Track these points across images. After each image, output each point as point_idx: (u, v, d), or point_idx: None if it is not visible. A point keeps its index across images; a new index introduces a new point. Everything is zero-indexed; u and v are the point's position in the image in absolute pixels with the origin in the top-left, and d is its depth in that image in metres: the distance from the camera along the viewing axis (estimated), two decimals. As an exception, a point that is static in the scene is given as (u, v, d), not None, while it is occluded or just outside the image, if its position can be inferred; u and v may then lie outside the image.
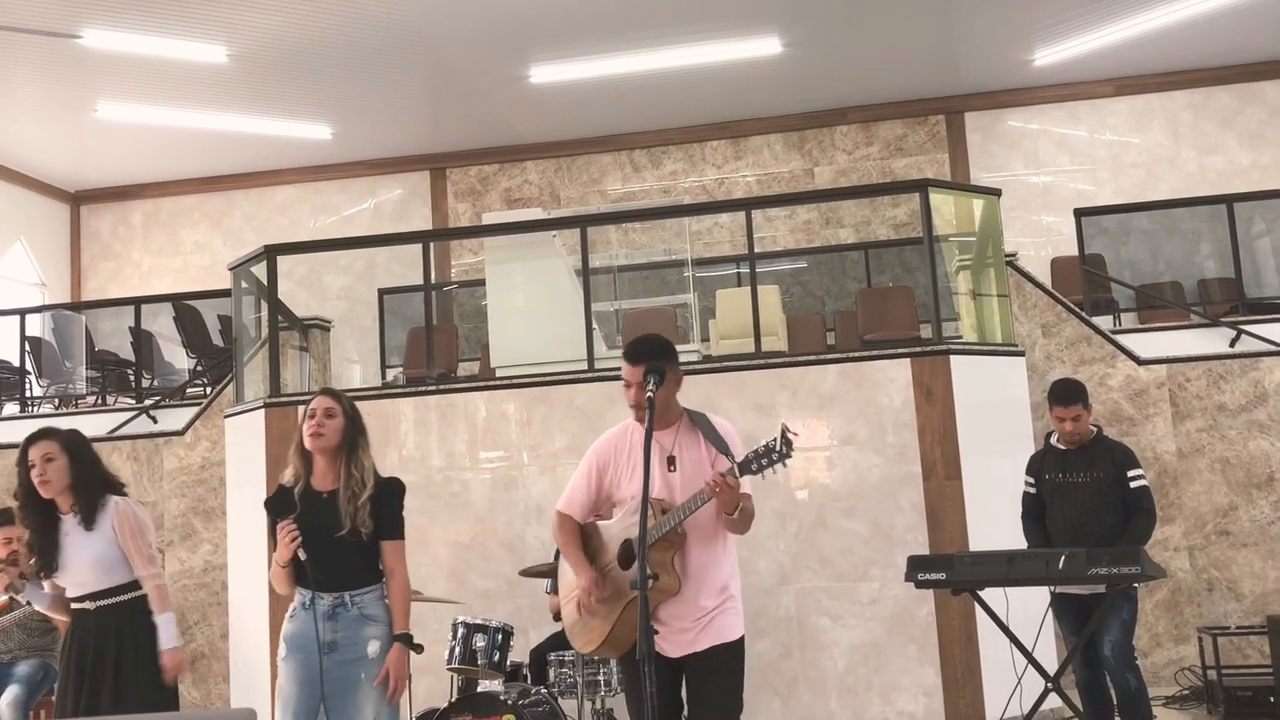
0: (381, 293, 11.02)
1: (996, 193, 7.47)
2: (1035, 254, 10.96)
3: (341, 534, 3.79)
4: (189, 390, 10.13)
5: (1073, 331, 7.96)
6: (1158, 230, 10.57)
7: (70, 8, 8.72)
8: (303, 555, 3.79)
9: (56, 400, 10.81)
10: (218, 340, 10.59)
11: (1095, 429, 5.34)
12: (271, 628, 6.69)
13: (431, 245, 8.08)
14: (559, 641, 5.43)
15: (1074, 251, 9.76)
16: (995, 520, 5.97)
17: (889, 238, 11.21)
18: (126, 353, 10.83)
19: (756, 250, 7.56)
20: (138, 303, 10.80)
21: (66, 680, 4.18)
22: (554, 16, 9.29)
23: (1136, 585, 5.00)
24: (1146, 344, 8.08)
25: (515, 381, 6.93)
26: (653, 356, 3.72)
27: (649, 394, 3.63)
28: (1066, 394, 5.22)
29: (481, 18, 9.25)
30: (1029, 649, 4.77)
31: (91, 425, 8.30)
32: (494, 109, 11.27)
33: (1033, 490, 5.39)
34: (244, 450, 7.32)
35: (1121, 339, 8.00)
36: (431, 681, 6.19)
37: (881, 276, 10.58)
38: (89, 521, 4.16)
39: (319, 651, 3.75)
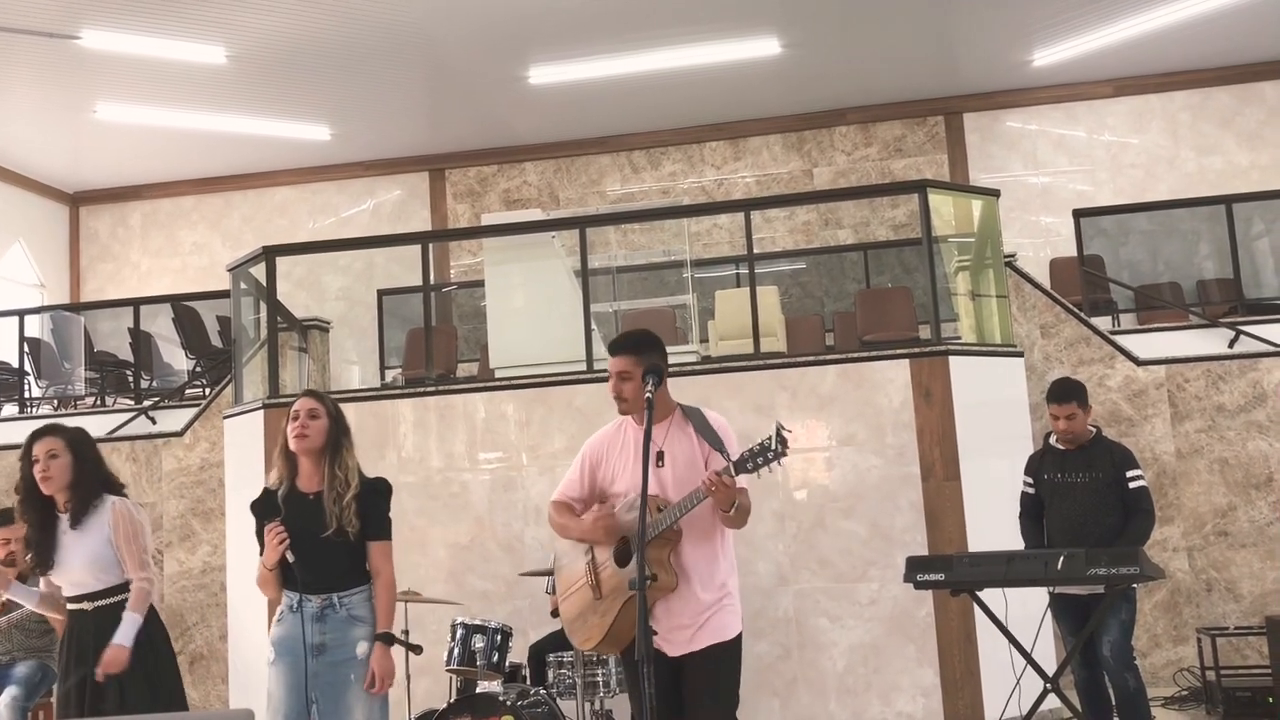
0: (380, 294, 11.01)
1: (995, 193, 7.48)
2: (1034, 255, 10.95)
3: (328, 535, 3.79)
4: (188, 391, 10.13)
5: (1071, 332, 7.97)
6: (1156, 231, 10.58)
7: (69, 8, 8.71)
8: (290, 557, 3.79)
9: (55, 401, 10.79)
10: (216, 341, 10.59)
11: (1094, 429, 5.35)
12: (270, 628, 6.68)
13: (430, 246, 8.09)
14: (559, 640, 5.43)
15: (1073, 252, 9.76)
16: (994, 521, 5.97)
17: (888, 238, 11.20)
18: (125, 354, 10.82)
19: (755, 251, 7.56)
20: (136, 304, 10.79)
21: (66, 681, 4.17)
22: (553, 17, 9.29)
23: (1135, 586, 5.01)
24: (1145, 345, 8.08)
25: (514, 382, 6.93)
26: (647, 352, 3.79)
27: (648, 394, 3.68)
28: (1061, 392, 5.25)
29: (481, 19, 9.25)
30: (1028, 649, 4.78)
31: (90, 426, 8.15)
32: (493, 110, 11.26)
33: (1031, 490, 5.40)
34: (243, 451, 7.32)
35: (1120, 340, 8.01)
36: (430, 682, 6.18)
37: (880, 277, 10.57)
38: (75, 520, 4.16)
39: (305, 654, 3.75)
